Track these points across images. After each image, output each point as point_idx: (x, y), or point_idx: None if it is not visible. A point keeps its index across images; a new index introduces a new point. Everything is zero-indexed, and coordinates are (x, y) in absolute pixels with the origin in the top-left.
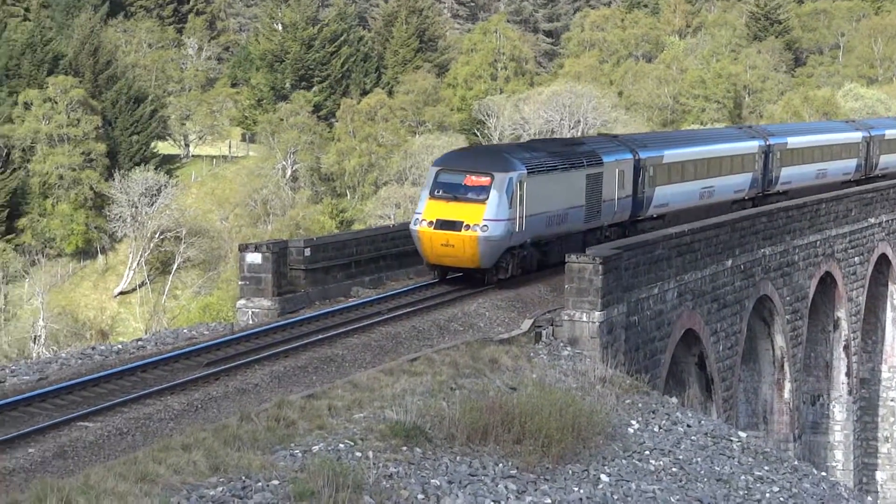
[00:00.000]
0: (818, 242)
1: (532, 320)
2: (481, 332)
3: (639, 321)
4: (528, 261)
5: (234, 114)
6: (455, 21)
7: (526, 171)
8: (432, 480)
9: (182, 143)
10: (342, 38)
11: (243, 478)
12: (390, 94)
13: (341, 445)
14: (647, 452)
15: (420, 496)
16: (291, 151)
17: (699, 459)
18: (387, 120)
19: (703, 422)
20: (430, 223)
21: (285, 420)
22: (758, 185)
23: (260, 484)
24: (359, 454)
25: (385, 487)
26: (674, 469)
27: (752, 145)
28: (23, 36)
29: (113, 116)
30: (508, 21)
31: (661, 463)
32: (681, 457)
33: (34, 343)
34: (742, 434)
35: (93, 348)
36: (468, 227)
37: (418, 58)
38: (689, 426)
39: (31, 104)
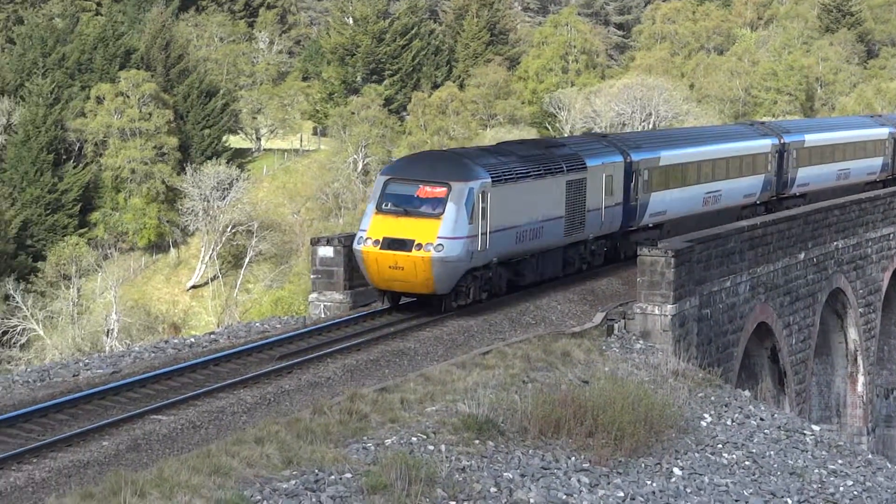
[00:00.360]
0: (891, 235)
1: (604, 313)
2: (553, 325)
3: (711, 314)
4: (494, 283)
5: (305, 107)
6: (526, 14)
7: (490, 180)
8: (505, 474)
9: (253, 136)
10: (413, 32)
11: (316, 471)
12: (461, 87)
13: (414, 439)
14: (720, 446)
15: (493, 489)
16: (362, 145)
17: (772, 453)
18: (458, 113)
19: (776, 415)
20: (377, 242)
21: (358, 413)
22: (771, 188)
23: (333, 477)
24: (431, 447)
25: (458, 481)
26: (747, 462)
27: (765, 144)
28: (95, 30)
29: (185, 110)
30: (579, 14)
31: (734, 456)
32: (754, 450)
33: (107, 337)
34: (815, 427)
35: (166, 342)
36: (420, 246)
37: (489, 51)
38: (762, 420)
39: (104, 98)
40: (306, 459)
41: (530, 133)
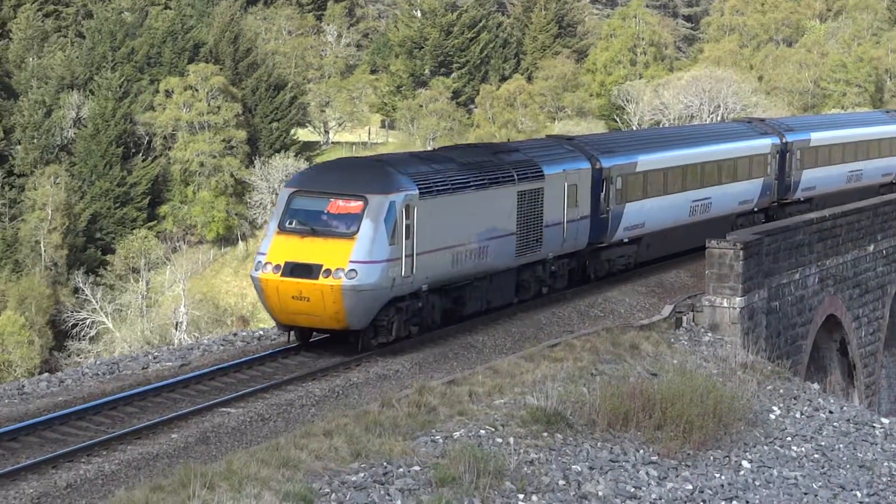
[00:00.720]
0: None
1: (672, 306)
2: (621, 317)
3: (780, 307)
4: (426, 315)
5: (373, 100)
6: (594, 6)
7: (417, 192)
8: (573, 466)
9: (322, 129)
10: (481, 24)
11: (385, 463)
12: (529, 79)
13: (482, 431)
14: (789, 439)
15: (561, 482)
16: (431, 138)
17: (841, 446)
18: (526, 106)
19: (845, 408)
20: (277, 268)
21: (426, 406)
22: (771, 193)
23: (401, 470)
24: (500, 440)
25: (526, 473)
26: (816, 455)
27: (763, 144)
28: (164, 24)
29: (253, 104)
30: (647, 6)
31: (803, 449)
32: (823, 443)
33: (176, 330)
34: (885, 420)
35: (234, 335)
36: (329, 272)
37: (557, 43)
38: (830, 412)
39: (172, 92)
40: (375, 452)
41: (598, 126)
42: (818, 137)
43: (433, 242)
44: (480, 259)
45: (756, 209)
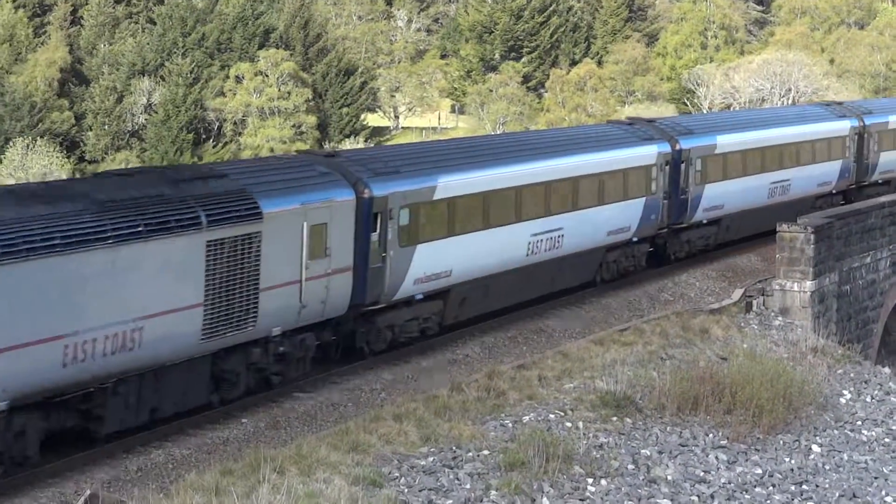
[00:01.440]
0: None
1: (743, 290)
2: (691, 302)
3: (850, 290)
4: (14, 448)
5: (443, 85)
6: None
7: None
8: (642, 450)
9: (392, 114)
10: (551, 9)
11: (454, 448)
12: (599, 63)
13: (551, 415)
14: (860, 423)
15: (630, 466)
16: (501, 122)
17: None
18: (596, 90)
19: None
20: None
21: (495, 390)
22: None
23: (470, 454)
24: (569, 424)
25: (595, 458)
26: (886, 440)
27: (843, 126)
28: (234, 10)
29: (323, 89)
30: None
31: (874, 433)
32: (894, 427)
33: None
34: None
35: None
36: None
37: (627, 27)
38: None
39: (243, 78)
40: (444, 436)
41: (668, 110)
42: None
43: (14, 334)
44: (125, 352)
45: (835, 191)
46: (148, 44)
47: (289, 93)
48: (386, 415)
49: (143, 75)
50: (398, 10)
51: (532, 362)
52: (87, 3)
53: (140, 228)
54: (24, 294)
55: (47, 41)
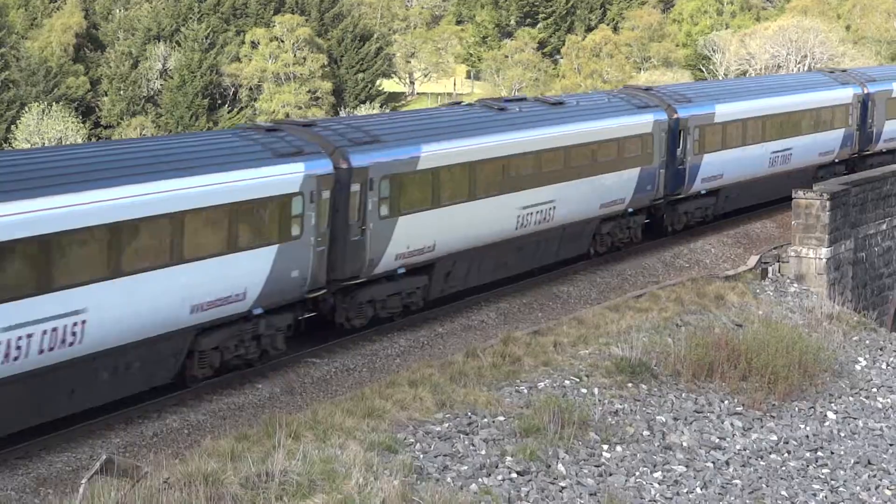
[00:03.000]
0: None
1: (758, 257)
2: (707, 268)
3: (866, 257)
4: None
5: (459, 51)
6: None
7: None
8: (658, 417)
9: (407, 80)
10: None
11: (469, 414)
12: (615, 30)
13: (567, 382)
14: (875, 390)
15: (645, 433)
16: (516, 88)
17: None
18: (612, 56)
19: None
20: None
21: (510, 356)
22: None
23: (486, 420)
24: (584, 390)
25: (610, 424)
26: None
27: (845, 94)
28: None
29: (339, 55)
30: None
31: (889, 400)
32: None
33: None
34: None
35: None
36: None
37: None
38: None
39: (258, 43)
40: (459, 402)
41: (684, 76)
42: None
43: None
44: None
45: (837, 160)
46: (164, 9)
47: (304, 58)
48: (401, 380)
49: (159, 41)
50: None
51: (547, 328)
52: None
53: None
54: None
55: (62, 6)
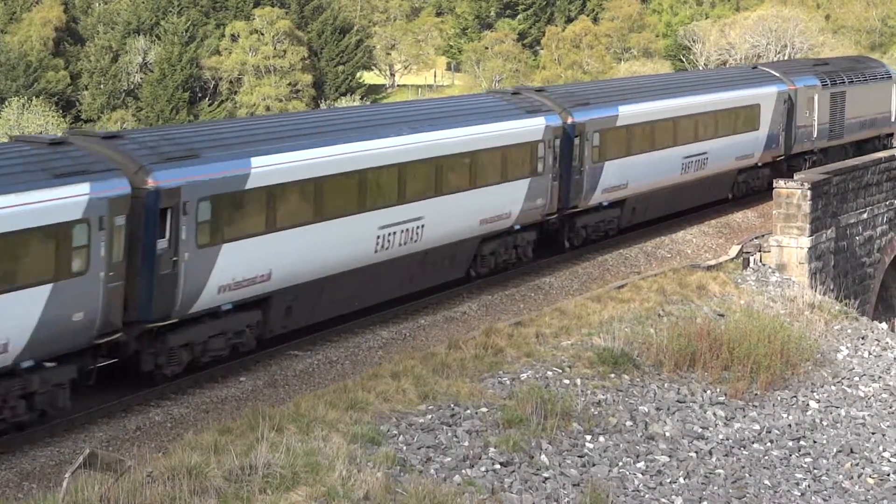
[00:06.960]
0: None
1: (740, 246)
2: (688, 258)
3: (847, 246)
4: None
5: (439, 43)
6: None
7: None
8: (640, 407)
9: (387, 72)
10: None
11: (452, 405)
12: (595, 20)
13: (549, 373)
14: (857, 378)
15: (628, 423)
16: (496, 80)
17: None
18: (592, 47)
19: None
20: None
21: (493, 348)
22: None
23: (469, 411)
24: (567, 381)
25: (593, 414)
26: (884, 395)
27: (768, 92)
28: None
29: (319, 47)
30: None
31: (871, 389)
32: (891, 383)
33: None
34: None
35: None
36: None
37: None
38: None
39: (238, 36)
40: (442, 394)
41: (664, 66)
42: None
43: None
44: None
45: (760, 164)
46: (143, 2)
47: (284, 51)
48: (384, 372)
49: (139, 34)
50: None
51: (530, 319)
52: None
53: None
54: None
55: (42, 0)
